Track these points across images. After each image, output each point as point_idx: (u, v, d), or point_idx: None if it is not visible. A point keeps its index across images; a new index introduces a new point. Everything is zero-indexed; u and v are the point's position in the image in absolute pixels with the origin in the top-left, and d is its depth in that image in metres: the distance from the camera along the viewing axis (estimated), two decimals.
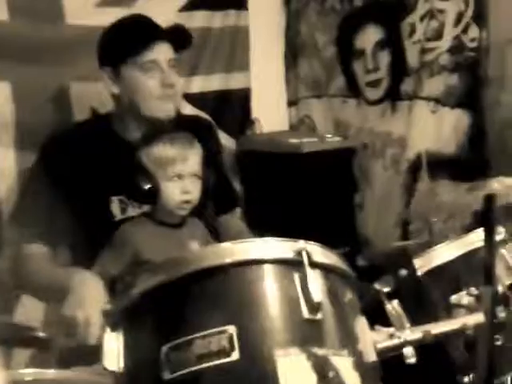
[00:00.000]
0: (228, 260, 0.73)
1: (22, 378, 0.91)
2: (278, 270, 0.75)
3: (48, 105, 1.91)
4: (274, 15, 2.57)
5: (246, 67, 2.45)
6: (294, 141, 2.20)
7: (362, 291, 0.85)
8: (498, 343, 0.83)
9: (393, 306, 0.84)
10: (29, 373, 0.95)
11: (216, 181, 1.54)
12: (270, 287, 0.75)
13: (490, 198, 0.79)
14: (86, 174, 1.48)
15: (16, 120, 1.86)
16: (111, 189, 1.49)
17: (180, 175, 1.39)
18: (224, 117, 2.39)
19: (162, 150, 1.39)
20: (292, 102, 2.61)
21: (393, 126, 2.19)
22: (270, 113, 2.56)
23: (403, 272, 0.98)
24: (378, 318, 0.84)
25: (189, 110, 2.28)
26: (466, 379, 0.95)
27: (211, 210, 1.63)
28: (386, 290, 0.87)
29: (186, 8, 2.22)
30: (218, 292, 0.74)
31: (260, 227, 1.81)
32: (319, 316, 0.73)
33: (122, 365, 0.76)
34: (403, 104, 2.14)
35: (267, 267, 0.75)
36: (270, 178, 2.28)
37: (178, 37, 1.57)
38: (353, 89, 2.35)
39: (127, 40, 1.51)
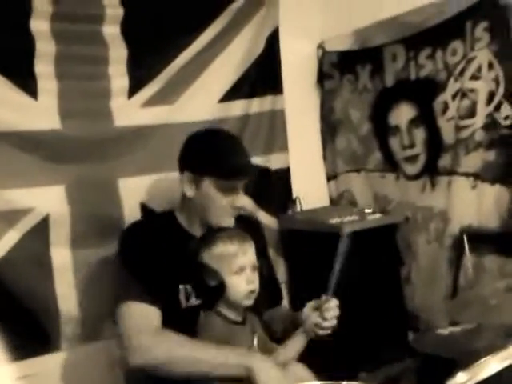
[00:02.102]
0: None
1: None
2: None
3: (99, 202, 2.01)
4: (309, 95, 2.65)
5: (285, 147, 2.53)
6: (334, 221, 2.23)
7: None
8: None
9: None
10: None
11: (266, 274, 1.63)
12: None
13: None
14: (161, 264, 1.58)
15: (71, 220, 1.95)
16: (179, 278, 1.59)
17: (242, 267, 1.49)
18: (265, 197, 2.45)
19: (223, 247, 1.50)
20: (331, 177, 2.66)
21: (433, 201, 2.19)
22: (311, 189, 2.61)
23: None
24: None
25: None
26: None
27: (262, 303, 1.68)
28: None
29: (225, 99, 2.33)
30: None
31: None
32: None
33: None
34: (442, 179, 2.15)
35: None
36: (313, 257, 2.31)
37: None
38: (390, 164, 2.39)
39: (220, 163, 1.62)
